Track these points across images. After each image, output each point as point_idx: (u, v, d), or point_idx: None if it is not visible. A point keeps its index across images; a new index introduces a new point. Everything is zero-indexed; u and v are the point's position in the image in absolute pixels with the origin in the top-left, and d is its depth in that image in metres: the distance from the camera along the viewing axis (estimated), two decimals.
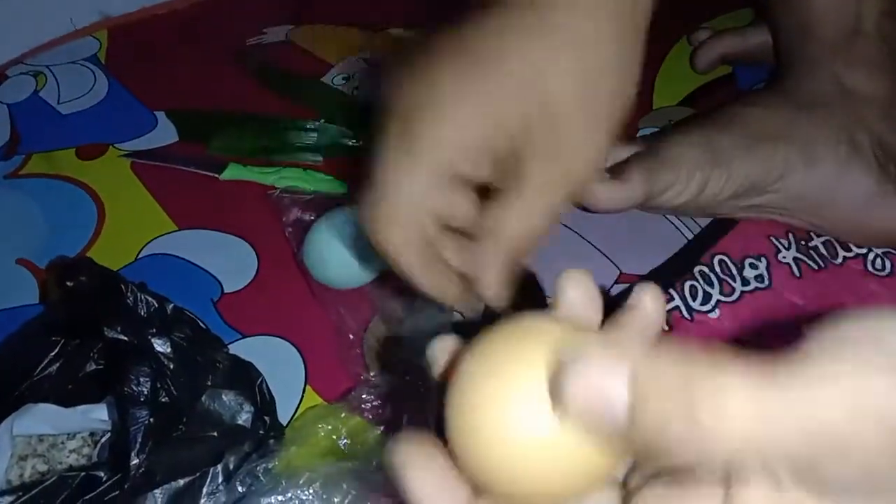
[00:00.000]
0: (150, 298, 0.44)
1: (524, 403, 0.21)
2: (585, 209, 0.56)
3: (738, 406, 0.18)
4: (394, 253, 0.38)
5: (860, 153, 0.54)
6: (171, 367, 0.41)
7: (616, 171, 0.54)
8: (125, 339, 0.41)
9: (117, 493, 0.40)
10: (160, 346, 0.41)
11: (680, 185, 0.54)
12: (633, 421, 0.20)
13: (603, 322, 0.27)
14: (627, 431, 0.20)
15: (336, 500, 0.40)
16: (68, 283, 0.42)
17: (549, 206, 0.37)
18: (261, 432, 0.47)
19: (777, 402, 0.18)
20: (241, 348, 0.51)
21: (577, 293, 0.26)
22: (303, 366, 0.53)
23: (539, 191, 0.37)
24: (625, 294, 0.29)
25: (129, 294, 0.43)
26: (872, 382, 0.18)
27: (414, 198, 0.36)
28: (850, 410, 0.18)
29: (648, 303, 0.27)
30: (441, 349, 0.27)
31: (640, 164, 0.54)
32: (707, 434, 0.19)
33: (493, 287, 0.38)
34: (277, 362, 0.51)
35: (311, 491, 0.40)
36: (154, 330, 0.41)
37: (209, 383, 0.43)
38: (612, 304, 0.27)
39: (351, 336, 0.53)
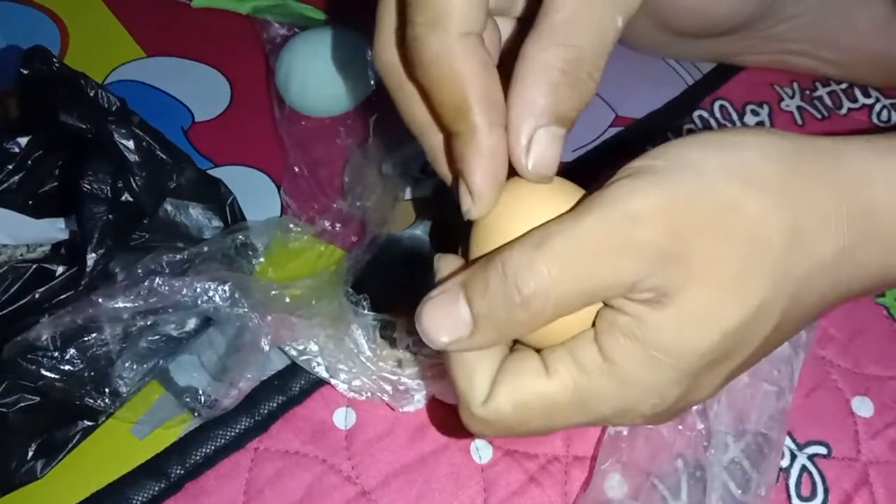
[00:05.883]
0: (112, 97, 0.41)
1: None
2: None
3: (539, 269, 0.24)
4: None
5: None
6: (134, 162, 0.38)
7: None
8: (83, 127, 0.37)
9: (73, 291, 0.37)
10: (122, 139, 0.38)
11: None
12: (478, 322, 0.25)
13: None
14: (475, 331, 0.26)
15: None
16: (23, 71, 0.39)
17: None
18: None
19: (558, 252, 0.24)
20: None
21: None
22: (278, 196, 0.50)
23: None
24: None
25: (89, 88, 0.40)
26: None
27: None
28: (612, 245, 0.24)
29: None
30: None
31: None
32: (530, 300, 0.24)
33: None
34: (252, 192, 0.49)
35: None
36: (114, 118, 0.38)
37: (173, 185, 0.39)
38: None
39: (296, 169, 0.50)
